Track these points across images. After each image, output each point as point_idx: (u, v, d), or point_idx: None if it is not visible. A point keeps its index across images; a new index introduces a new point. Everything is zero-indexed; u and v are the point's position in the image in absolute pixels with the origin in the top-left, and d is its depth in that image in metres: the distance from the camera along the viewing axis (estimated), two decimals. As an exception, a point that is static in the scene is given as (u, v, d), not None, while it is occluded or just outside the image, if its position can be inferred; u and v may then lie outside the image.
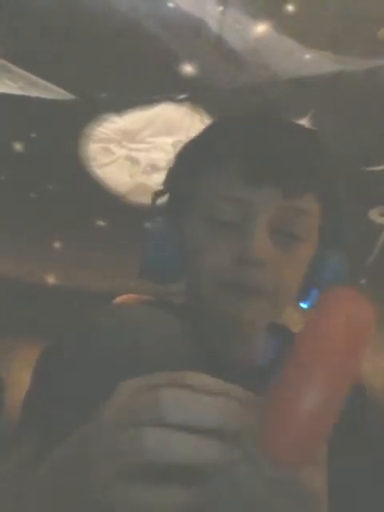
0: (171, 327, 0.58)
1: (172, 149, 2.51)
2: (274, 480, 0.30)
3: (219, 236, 0.58)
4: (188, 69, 2.11)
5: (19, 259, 4.00)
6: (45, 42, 2.06)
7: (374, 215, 2.80)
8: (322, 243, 0.63)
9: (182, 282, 0.65)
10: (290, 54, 1.99)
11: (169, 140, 2.52)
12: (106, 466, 0.31)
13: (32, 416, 0.52)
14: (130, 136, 2.54)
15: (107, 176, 2.82)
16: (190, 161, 0.64)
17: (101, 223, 3.23)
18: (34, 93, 2.28)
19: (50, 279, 4.26)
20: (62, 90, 2.27)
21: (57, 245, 3.55)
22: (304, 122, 2.18)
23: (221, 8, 1.87)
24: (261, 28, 1.92)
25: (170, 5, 1.88)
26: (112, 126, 2.49)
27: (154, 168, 2.70)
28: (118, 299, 0.70)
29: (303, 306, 0.65)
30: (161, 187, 0.68)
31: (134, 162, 2.70)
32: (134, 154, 2.65)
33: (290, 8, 1.82)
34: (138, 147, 2.61)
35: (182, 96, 2.27)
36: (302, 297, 0.64)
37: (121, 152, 2.65)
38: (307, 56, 1.99)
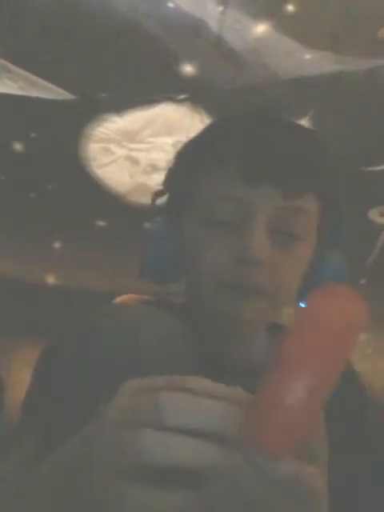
0: (171, 327, 0.58)
1: (172, 149, 2.51)
2: (274, 480, 0.30)
3: (219, 236, 0.58)
4: (188, 69, 2.11)
5: (19, 259, 4.00)
6: (45, 42, 2.05)
7: (374, 215, 2.80)
8: (322, 243, 0.63)
9: (182, 282, 0.65)
10: (289, 54, 1.99)
11: (169, 140, 2.52)
12: (108, 466, 0.31)
13: (32, 416, 0.52)
14: (130, 136, 2.54)
15: (107, 176, 2.82)
16: (190, 161, 0.64)
17: (101, 223, 3.23)
18: (33, 93, 2.28)
19: (50, 279, 4.26)
20: (61, 90, 2.27)
21: (57, 245, 3.55)
22: (304, 122, 2.18)
23: (221, 8, 1.87)
24: (261, 28, 1.92)
25: (170, 5, 1.88)
26: (112, 125, 2.49)
27: (154, 168, 2.70)
28: (118, 299, 0.70)
29: (303, 305, 0.65)
30: (160, 187, 0.68)
31: (134, 162, 2.69)
32: (134, 154, 2.65)
33: (290, 8, 1.82)
34: (138, 147, 2.61)
35: (182, 96, 2.27)
36: (302, 297, 0.64)
37: (121, 152, 2.65)
38: (307, 56, 1.99)
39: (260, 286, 0.57)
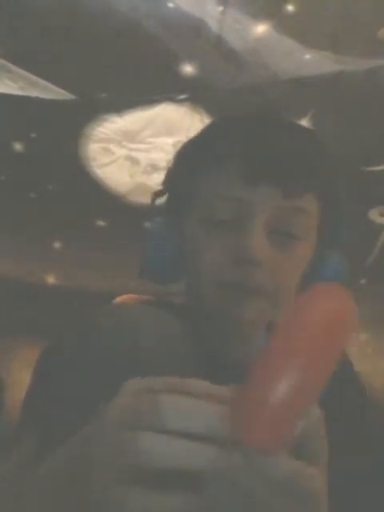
0: (171, 327, 0.58)
1: (172, 149, 2.51)
2: (274, 481, 0.30)
3: (218, 236, 0.58)
4: (188, 69, 2.11)
5: (19, 259, 4.00)
6: (45, 42, 2.06)
7: (374, 215, 2.80)
8: (322, 243, 0.63)
9: (182, 282, 0.65)
10: (289, 54, 1.99)
11: (169, 140, 2.52)
12: (108, 466, 0.31)
13: (32, 416, 0.52)
14: (130, 136, 2.54)
15: (107, 176, 2.82)
16: (189, 161, 0.64)
17: (101, 223, 3.23)
18: (33, 93, 2.28)
19: (50, 279, 4.26)
20: (61, 90, 2.27)
21: (57, 245, 3.55)
22: (304, 122, 2.18)
23: (221, 8, 1.87)
24: (261, 28, 1.92)
25: (170, 5, 1.88)
26: (112, 126, 2.49)
27: (154, 168, 2.70)
28: (118, 299, 0.70)
29: None
30: (160, 187, 0.68)
31: (134, 162, 2.69)
32: (134, 154, 2.65)
33: (290, 8, 1.82)
34: (138, 147, 2.61)
35: (182, 96, 2.27)
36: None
37: (121, 152, 2.65)
38: (307, 56, 1.99)
39: (260, 285, 0.57)
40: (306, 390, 0.30)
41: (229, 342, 0.62)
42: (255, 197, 0.57)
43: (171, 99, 2.28)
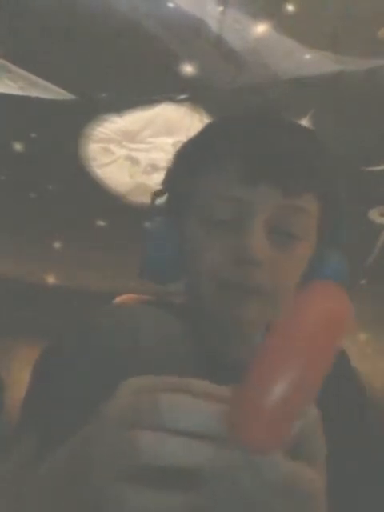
0: (171, 327, 0.58)
1: (172, 149, 2.51)
2: (273, 481, 0.30)
3: (218, 236, 0.58)
4: (188, 69, 2.11)
5: (19, 259, 4.00)
6: (45, 42, 2.06)
7: (374, 215, 2.80)
8: (322, 243, 0.63)
9: (182, 282, 0.65)
10: (289, 54, 1.99)
11: (169, 140, 2.52)
12: (108, 466, 0.31)
13: (32, 416, 0.52)
14: (130, 136, 2.54)
15: (107, 176, 2.82)
16: (189, 160, 0.64)
17: (101, 223, 3.24)
18: (33, 93, 2.28)
19: (50, 279, 4.26)
20: (61, 90, 2.27)
21: (57, 245, 3.55)
22: (304, 121, 2.18)
23: (221, 8, 1.87)
24: (261, 28, 1.92)
25: (170, 5, 1.88)
26: (112, 126, 2.49)
27: (154, 168, 2.70)
28: (118, 299, 0.70)
29: None
30: (160, 187, 0.68)
31: (134, 162, 2.70)
32: (134, 154, 2.65)
33: (290, 8, 1.82)
34: (138, 147, 2.61)
35: (182, 96, 2.27)
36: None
37: (121, 152, 2.65)
38: (307, 56, 1.99)
39: (260, 285, 0.57)
40: (303, 389, 0.30)
41: (229, 342, 0.62)
42: (255, 196, 0.57)
43: (171, 99, 2.28)
